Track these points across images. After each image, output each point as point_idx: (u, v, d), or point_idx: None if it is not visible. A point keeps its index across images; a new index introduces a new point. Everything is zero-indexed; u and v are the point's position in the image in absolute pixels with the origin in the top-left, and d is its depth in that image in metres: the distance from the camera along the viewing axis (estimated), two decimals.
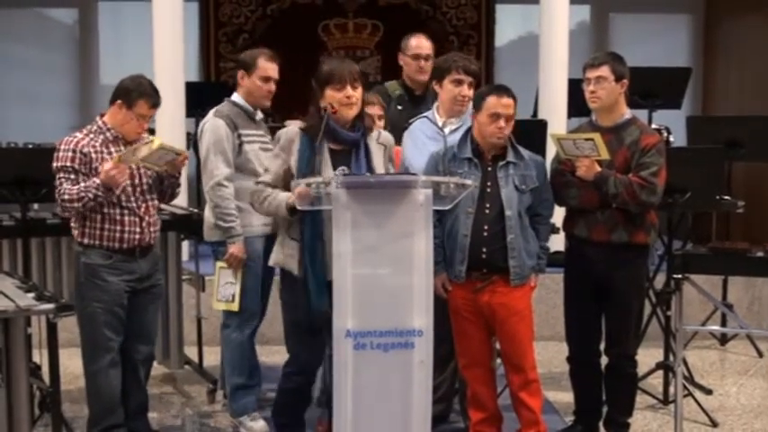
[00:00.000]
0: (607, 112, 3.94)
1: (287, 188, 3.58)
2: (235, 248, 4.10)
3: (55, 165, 3.73)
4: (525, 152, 3.81)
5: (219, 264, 4.16)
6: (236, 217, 4.09)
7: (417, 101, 4.69)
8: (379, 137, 3.78)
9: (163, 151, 3.73)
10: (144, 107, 3.77)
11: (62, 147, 3.74)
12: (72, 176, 3.71)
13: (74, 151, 3.72)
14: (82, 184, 3.69)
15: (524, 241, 3.73)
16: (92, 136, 3.78)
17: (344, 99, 3.57)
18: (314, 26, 8.42)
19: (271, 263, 3.81)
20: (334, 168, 3.56)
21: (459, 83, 4.01)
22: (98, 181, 3.67)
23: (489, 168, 3.75)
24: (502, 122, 3.68)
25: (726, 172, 5.65)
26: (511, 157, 3.76)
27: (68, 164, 3.71)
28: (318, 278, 3.52)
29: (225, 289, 4.14)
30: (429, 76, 4.51)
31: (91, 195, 3.67)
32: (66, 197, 3.68)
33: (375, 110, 4.24)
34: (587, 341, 4.08)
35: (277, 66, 4.27)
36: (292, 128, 3.69)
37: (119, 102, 3.78)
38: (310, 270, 3.53)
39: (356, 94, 3.60)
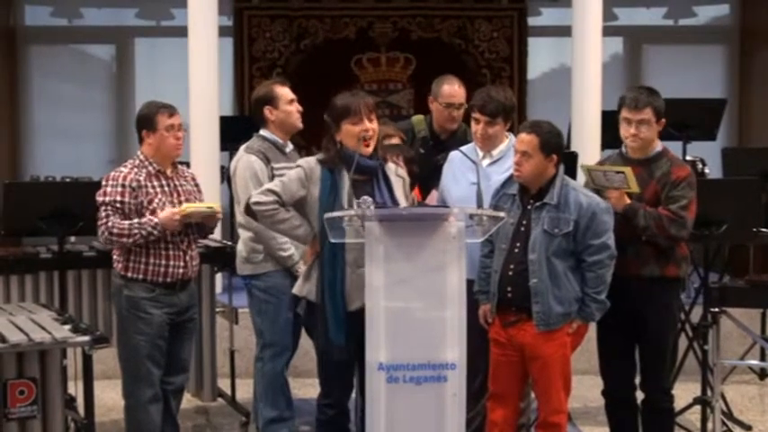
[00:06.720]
0: (640, 146, 3.92)
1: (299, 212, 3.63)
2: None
3: (101, 199, 3.77)
4: (576, 195, 3.66)
5: None
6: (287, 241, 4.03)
7: (442, 147, 4.54)
8: (397, 170, 3.80)
9: (195, 213, 3.83)
10: (165, 119, 3.84)
11: (110, 181, 3.79)
12: (119, 210, 3.75)
13: (123, 186, 3.78)
14: (135, 221, 3.74)
15: (554, 287, 3.61)
16: (136, 170, 3.84)
17: (362, 133, 3.59)
18: (347, 60, 8.48)
19: (295, 290, 3.74)
20: (357, 198, 3.57)
21: (476, 121, 4.05)
22: (156, 220, 3.73)
23: (528, 207, 3.70)
24: (517, 157, 3.66)
25: (763, 204, 5.58)
26: (548, 198, 3.65)
27: (117, 198, 3.76)
28: (337, 311, 3.51)
29: None
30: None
31: (144, 233, 3.73)
32: (115, 231, 3.72)
33: (394, 140, 4.25)
34: (622, 376, 4.02)
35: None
36: (311, 159, 3.71)
37: (144, 131, 3.86)
38: (329, 302, 3.52)
39: (373, 126, 3.63)
